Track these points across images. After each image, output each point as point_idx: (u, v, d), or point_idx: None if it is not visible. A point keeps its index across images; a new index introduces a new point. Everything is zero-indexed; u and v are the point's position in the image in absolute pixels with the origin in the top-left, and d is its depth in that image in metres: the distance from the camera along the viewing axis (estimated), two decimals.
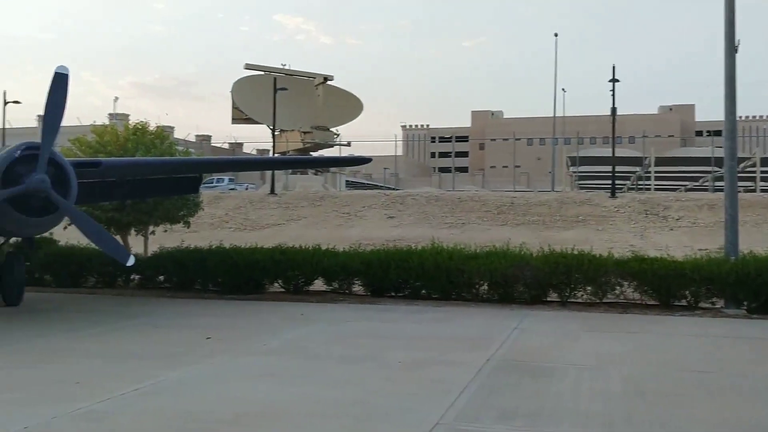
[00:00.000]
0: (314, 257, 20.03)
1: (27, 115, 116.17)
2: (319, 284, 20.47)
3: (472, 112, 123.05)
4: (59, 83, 14.09)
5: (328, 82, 75.52)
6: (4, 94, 54.25)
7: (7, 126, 57.11)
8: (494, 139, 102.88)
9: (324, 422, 7.53)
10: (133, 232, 23.46)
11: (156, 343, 12.40)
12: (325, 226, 36.85)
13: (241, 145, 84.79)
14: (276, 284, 20.58)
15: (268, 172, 51.11)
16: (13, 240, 18.72)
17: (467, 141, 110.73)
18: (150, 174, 19.73)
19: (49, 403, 8.09)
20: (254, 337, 13.16)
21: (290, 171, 58.96)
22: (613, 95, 41.63)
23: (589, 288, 17.87)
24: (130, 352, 11.44)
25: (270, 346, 12.16)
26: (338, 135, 74.76)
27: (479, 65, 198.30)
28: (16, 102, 54.19)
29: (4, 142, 53.48)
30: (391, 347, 11.89)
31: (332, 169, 63.97)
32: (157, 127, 23.67)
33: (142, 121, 23.10)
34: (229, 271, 20.05)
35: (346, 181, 68.01)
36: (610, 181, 40.67)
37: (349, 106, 77.05)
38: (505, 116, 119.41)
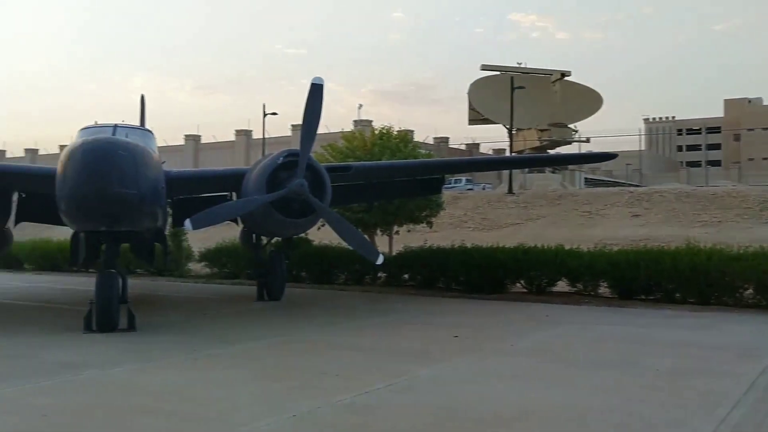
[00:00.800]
0: (557, 257, 19.52)
1: (282, 125, 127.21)
2: (561, 285, 19.91)
3: (726, 100, 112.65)
4: (315, 93, 15.06)
5: (566, 78, 73.46)
6: (264, 106, 59.66)
7: (266, 135, 62.76)
8: (752, 129, 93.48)
9: (584, 429, 7.20)
10: (378, 232, 24.55)
11: (406, 339, 12.77)
12: (564, 225, 35.85)
13: (477, 145, 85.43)
14: (518, 284, 20.36)
15: (505, 172, 50.90)
16: (274, 240, 20.42)
17: (719, 132, 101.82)
18: (395, 176, 20.47)
19: (313, 393, 8.61)
20: (501, 337, 13.06)
21: (527, 170, 58.24)
22: None
23: None
24: (383, 347, 11.89)
25: (518, 347, 11.98)
26: (576, 131, 72.47)
27: (732, 50, 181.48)
28: (274, 113, 59.26)
29: (264, 150, 58.90)
30: (646, 353, 11.16)
31: (570, 167, 62.06)
32: (401, 130, 24.52)
33: (386, 126, 24.07)
34: (471, 271, 20.19)
35: (585, 178, 65.67)
36: None
37: (588, 101, 74.27)
38: (765, 103, 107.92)
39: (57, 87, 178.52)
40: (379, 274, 22.91)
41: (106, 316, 13.17)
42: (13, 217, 18.65)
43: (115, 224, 13.15)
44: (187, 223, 14.20)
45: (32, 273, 30.24)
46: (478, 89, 73.01)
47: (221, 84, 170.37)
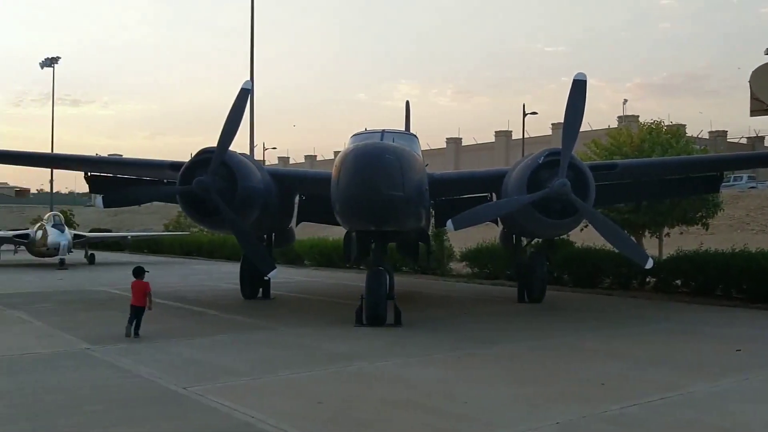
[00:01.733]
0: None
1: (542, 124, 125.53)
2: None
3: None
4: (578, 89, 14.53)
5: None
6: (524, 106, 59.35)
7: (526, 135, 62.32)
8: None
9: None
10: (647, 233, 23.11)
11: (679, 350, 11.81)
12: None
13: (761, 138, 77.18)
14: None
15: None
16: (534, 241, 20.12)
17: None
18: (666, 174, 19.10)
19: (576, 400, 8.26)
20: None
21: None
22: None
23: None
24: (653, 357, 11.09)
25: None
26: None
27: None
28: (534, 113, 58.71)
29: (524, 151, 58.57)
30: None
31: None
32: (671, 125, 22.86)
33: (656, 121, 22.58)
34: (757, 277, 18.18)
35: None
36: None
37: None
38: None
39: (331, 98, 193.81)
40: (648, 279, 21.56)
41: (376, 311, 13.89)
42: (295, 218, 20.48)
43: (383, 224, 13.82)
44: (449, 223, 14.48)
45: (311, 268, 32.98)
46: (761, 76, 65.77)
47: (480, 87, 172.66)
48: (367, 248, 16.18)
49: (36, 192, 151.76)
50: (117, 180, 20.08)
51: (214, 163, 14.97)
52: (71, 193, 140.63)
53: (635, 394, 8.55)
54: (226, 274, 28.60)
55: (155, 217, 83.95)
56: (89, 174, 20.09)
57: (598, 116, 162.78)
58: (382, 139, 14.79)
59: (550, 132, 70.65)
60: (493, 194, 19.47)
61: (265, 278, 17.21)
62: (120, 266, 34.26)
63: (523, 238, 19.25)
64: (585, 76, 14.63)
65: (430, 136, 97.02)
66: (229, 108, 15.23)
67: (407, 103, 25.08)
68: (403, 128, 20.58)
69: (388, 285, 14.38)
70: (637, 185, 18.78)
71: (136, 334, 12.56)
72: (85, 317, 15.60)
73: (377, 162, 12.74)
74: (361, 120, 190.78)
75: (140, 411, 7.78)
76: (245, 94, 15.38)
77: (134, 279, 12.86)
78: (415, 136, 16.58)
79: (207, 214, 15.45)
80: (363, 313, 14.20)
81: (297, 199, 20.24)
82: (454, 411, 7.83)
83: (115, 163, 19.02)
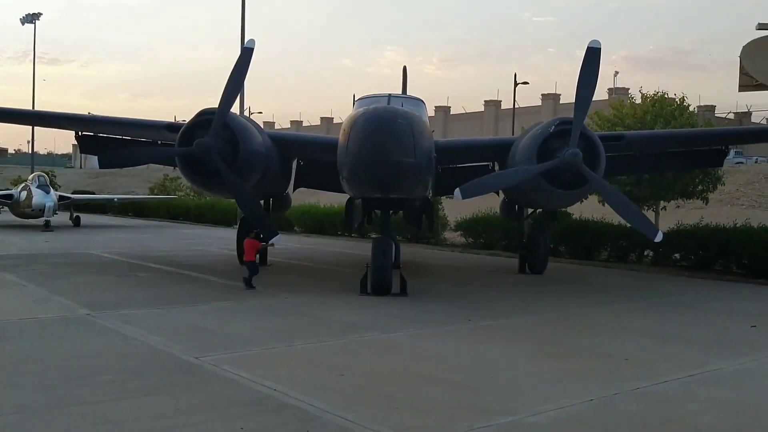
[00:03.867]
0: None
1: (531, 95, 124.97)
2: None
3: None
4: (592, 57, 14.15)
5: None
6: (515, 76, 58.79)
7: (517, 106, 61.87)
8: None
9: None
10: (645, 207, 22.95)
11: (692, 326, 11.65)
12: None
13: (749, 114, 77.35)
14: None
15: None
16: (534, 212, 19.83)
17: None
18: (671, 147, 18.85)
19: (602, 377, 8.05)
20: None
21: None
22: None
23: None
24: (669, 332, 10.93)
25: None
26: None
27: None
28: (525, 83, 58.13)
29: (514, 120, 58.18)
30: None
31: None
32: (676, 97, 22.59)
33: (661, 93, 22.28)
34: (758, 253, 18.10)
35: None
36: None
37: None
38: None
39: (317, 64, 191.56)
40: (646, 253, 21.45)
41: (382, 279, 13.59)
42: (292, 183, 20.04)
43: (393, 191, 13.46)
44: (457, 192, 14.12)
45: (302, 235, 32.59)
46: (752, 51, 65.59)
47: (467, 56, 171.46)
48: (371, 216, 15.84)
49: (13, 153, 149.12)
50: (109, 140, 19.48)
51: (216, 124, 14.46)
52: (50, 154, 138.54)
53: (660, 370, 8.36)
54: (217, 240, 28.20)
55: (137, 180, 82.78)
56: (81, 133, 19.48)
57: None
58: (389, 104, 14.38)
59: (539, 102, 70.16)
60: (495, 164, 19.19)
61: (267, 245, 16.80)
62: (106, 229, 33.69)
63: (525, 209, 18.97)
64: (599, 43, 14.23)
65: None
66: (232, 68, 14.68)
67: (404, 68, 24.50)
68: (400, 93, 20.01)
69: (394, 253, 14.07)
70: (642, 158, 18.51)
71: (252, 286, 14.29)
72: (80, 281, 15.16)
73: (389, 127, 12.34)
74: (348, 86, 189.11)
75: (157, 381, 7.45)
76: (249, 53, 14.80)
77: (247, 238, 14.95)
78: (421, 100, 16.09)
79: (207, 177, 14.98)
80: (368, 281, 13.92)
81: (294, 164, 19.78)
82: (482, 386, 7.58)
83: (109, 122, 18.38)
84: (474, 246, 26.38)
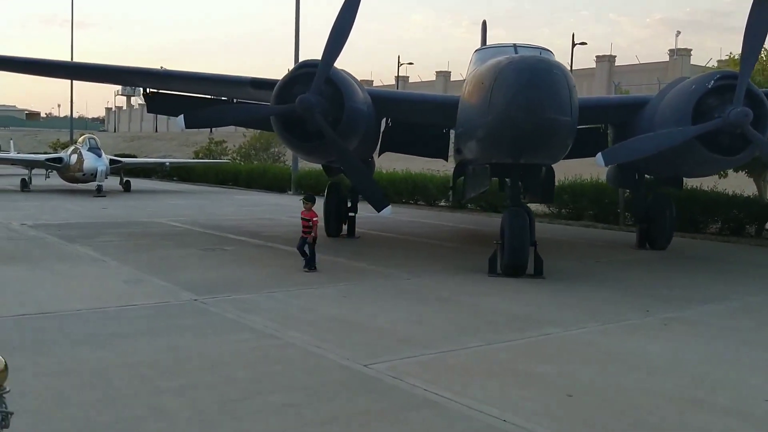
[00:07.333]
0: None
1: (589, 55, 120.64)
2: None
3: None
4: (761, 7, 11.99)
5: None
6: (573, 36, 56.18)
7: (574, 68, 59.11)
8: None
9: None
10: None
11: None
12: None
13: None
14: None
15: None
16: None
17: None
18: None
19: None
20: None
21: None
22: None
23: None
24: None
25: None
26: None
27: None
28: (583, 43, 55.40)
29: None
30: None
31: None
32: None
33: None
34: None
35: None
36: None
37: None
38: None
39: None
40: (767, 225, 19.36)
41: (518, 259, 11.70)
42: (377, 147, 18.09)
43: (541, 155, 11.50)
44: (599, 157, 12.18)
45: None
46: None
47: (498, 19, 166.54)
48: (488, 186, 13.86)
49: (44, 117, 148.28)
50: (180, 99, 17.66)
51: (319, 79, 12.48)
52: (82, 118, 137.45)
53: None
54: (276, 206, 26.54)
55: (173, 144, 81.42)
56: (149, 91, 17.68)
57: (641, 49, 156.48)
58: (516, 53, 12.39)
59: (593, 65, 66.94)
60: (609, 125, 17.10)
61: (354, 214, 14.95)
62: (157, 194, 32.10)
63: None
64: None
65: (451, 66, 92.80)
66: (336, 15, 12.64)
67: (484, 22, 22.38)
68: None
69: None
70: None
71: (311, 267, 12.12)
72: (165, 256, 13.45)
73: (546, 78, 10.34)
74: (373, 49, 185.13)
75: (339, 405, 5.66)
76: (355, 0, 12.73)
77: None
78: (551, 52, 13.94)
79: (306, 139, 13.06)
80: (498, 260, 12.05)
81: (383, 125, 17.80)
82: (754, 412, 5.72)
83: (185, 78, 16.48)
84: (558, 216, 24.36)
